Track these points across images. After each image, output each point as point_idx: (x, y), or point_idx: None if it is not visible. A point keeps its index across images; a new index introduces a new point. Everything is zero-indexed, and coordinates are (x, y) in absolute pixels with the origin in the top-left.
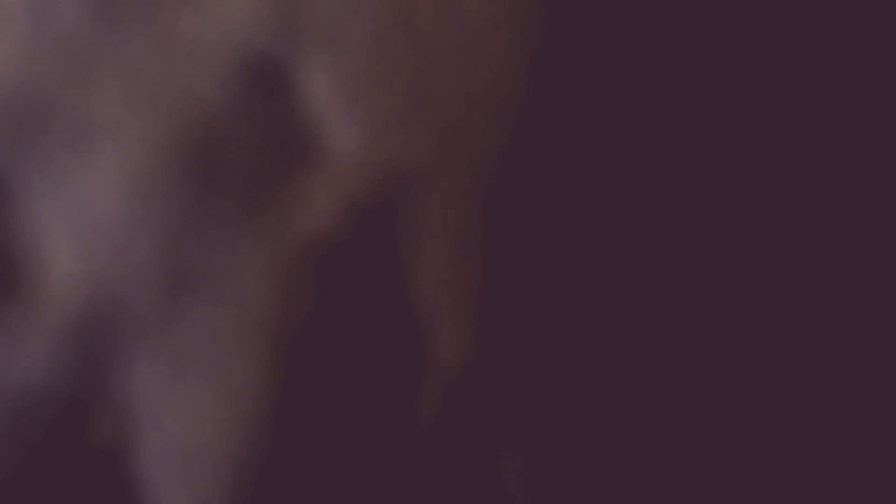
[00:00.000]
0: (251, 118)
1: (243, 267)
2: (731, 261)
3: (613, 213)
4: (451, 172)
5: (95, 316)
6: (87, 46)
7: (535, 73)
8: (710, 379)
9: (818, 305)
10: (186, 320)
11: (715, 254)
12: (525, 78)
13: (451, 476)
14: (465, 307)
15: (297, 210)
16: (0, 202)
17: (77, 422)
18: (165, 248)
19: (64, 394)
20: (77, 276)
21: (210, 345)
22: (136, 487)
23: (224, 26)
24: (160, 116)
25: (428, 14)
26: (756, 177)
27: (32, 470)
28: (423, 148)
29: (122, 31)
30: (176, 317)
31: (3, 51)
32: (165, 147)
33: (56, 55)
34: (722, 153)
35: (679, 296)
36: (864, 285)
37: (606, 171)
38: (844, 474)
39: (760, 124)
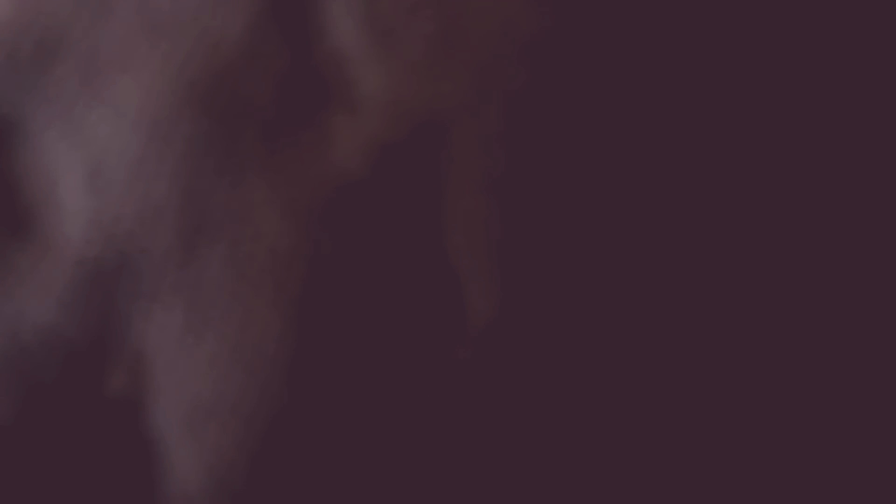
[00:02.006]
0: (274, 55)
1: (265, 210)
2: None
3: (649, 157)
4: (482, 115)
5: (109, 260)
6: None
7: (568, 13)
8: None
9: (818, 305)
10: (204, 266)
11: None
12: (558, 17)
13: (479, 431)
14: (494, 253)
15: (322, 152)
16: (11, 141)
17: (90, 368)
18: (183, 190)
19: (76, 339)
20: (91, 218)
21: (229, 292)
22: (149, 438)
23: None
24: (179, 51)
25: None
26: (758, 170)
27: (43, 415)
28: (453, 89)
29: None
30: (193, 262)
31: None
32: (184, 83)
33: None
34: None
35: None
36: (864, 285)
37: (643, 111)
38: (844, 474)
39: (761, 113)
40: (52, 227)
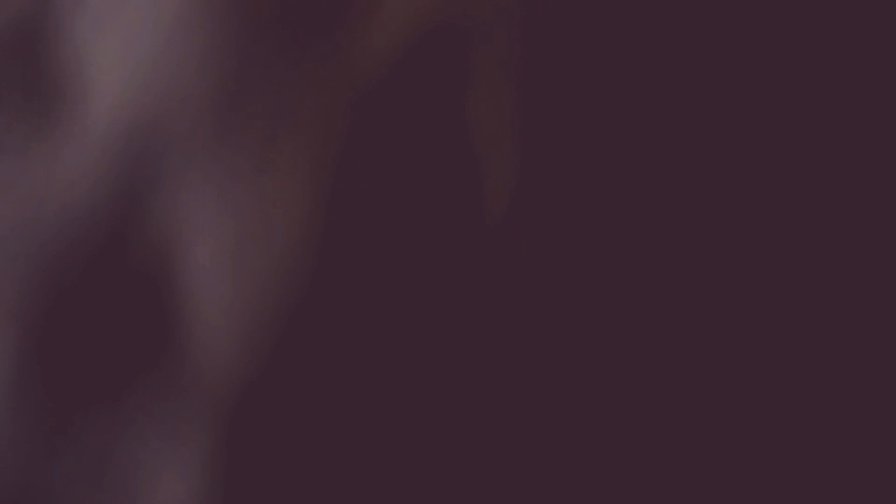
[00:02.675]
0: None
1: (299, 91)
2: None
3: (680, 80)
4: (508, 27)
5: (140, 135)
6: None
7: None
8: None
9: (818, 305)
10: (236, 143)
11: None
12: None
13: (503, 311)
14: (516, 139)
15: (351, 45)
16: (38, 24)
17: (119, 244)
18: (215, 67)
19: (106, 215)
20: (121, 93)
21: (260, 169)
22: (178, 314)
23: None
24: None
25: None
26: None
27: (73, 290)
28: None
29: None
30: (225, 139)
31: None
32: None
33: None
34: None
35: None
36: (864, 285)
37: (676, 38)
38: (844, 474)
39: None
40: (79, 104)
